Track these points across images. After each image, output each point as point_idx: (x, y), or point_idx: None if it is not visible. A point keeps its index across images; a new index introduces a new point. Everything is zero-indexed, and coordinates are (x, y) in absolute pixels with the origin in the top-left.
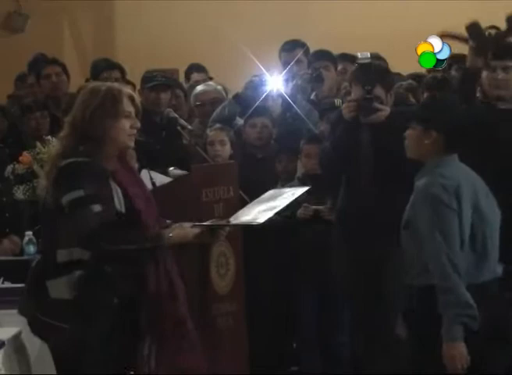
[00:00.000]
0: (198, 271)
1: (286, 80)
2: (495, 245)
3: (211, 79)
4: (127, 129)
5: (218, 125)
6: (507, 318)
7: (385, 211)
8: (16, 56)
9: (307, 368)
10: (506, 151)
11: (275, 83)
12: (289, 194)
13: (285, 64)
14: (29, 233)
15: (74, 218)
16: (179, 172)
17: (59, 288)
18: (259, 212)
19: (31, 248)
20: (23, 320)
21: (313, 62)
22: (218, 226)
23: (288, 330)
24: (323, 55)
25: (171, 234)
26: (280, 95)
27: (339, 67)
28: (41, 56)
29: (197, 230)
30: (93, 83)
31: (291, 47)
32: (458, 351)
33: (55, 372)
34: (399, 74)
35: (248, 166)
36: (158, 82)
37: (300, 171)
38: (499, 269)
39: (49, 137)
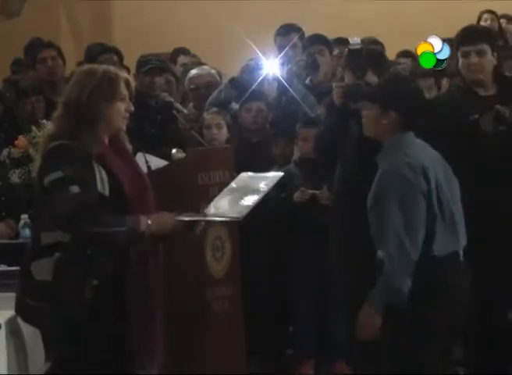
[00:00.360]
0: (194, 255)
1: (282, 64)
2: (461, 216)
3: (202, 64)
4: (122, 111)
5: (214, 109)
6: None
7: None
8: (12, 40)
9: (302, 352)
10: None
11: (271, 67)
12: (263, 185)
13: (280, 48)
14: (24, 217)
15: (53, 199)
16: (182, 155)
17: (42, 270)
18: (235, 203)
19: (27, 232)
20: None
21: (307, 46)
22: (198, 221)
23: (284, 314)
24: (318, 40)
25: (149, 222)
26: (276, 79)
27: (335, 51)
28: (37, 40)
29: (175, 222)
30: (89, 65)
31: (286, 31)
32: (370, 318)
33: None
34: (407, 53)
35: (243, 150)
36: (153, 66)
37: (296, 154)
38: (465, 241)
39: (44, 121)
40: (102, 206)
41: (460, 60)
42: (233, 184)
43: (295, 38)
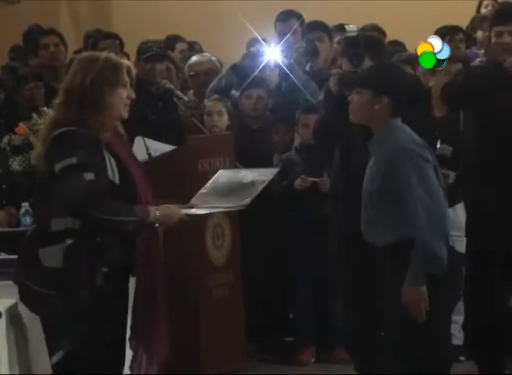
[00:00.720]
0: (194, 242)
1: (283, 51)
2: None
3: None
4: (124, 98)
5: (215, 95)
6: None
7: None
8: (12, 27)
9: (303, 339)
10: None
11: (273, 53)
12: (257, 176)
13: (280, 34)
14: (25, 205)
15: (66, 185)
16: None
17: (51, 256)
18: (231, 194)
19: (28, 219)
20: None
21: (307, 33)
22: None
23: (284, 302)
24: (317, 26)
25: (158, 213)
26: (277, 66)
27: (336, 38)
28: (36, 27)
29: (182, 215)
30: (90, 52)
31: (286, 17)
32: (418, 294)
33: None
34: (397, 43)
35: (244, 137)
36: (154, 52)
37: (297, 141)
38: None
39: (45, 108)
40: (112, 194)
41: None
42: (216, 184)
43: (295, 24)
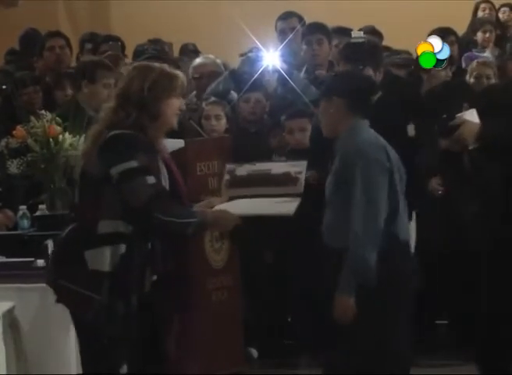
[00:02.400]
0: (193, 245)
1: (282, 56)
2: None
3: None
4: (176, 108)
5: (213, 99)
6: None
7: None
8: (10, 30)
9: (302, 342)
10: None
11: (272, 58)
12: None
13: (281, 33)
14: (23, 208)
15: (128, 188)
16: None
17: (98, 259)
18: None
19: (25, 223)
20: (17, 295)
21: (307, 34)
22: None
23: (283, 304)
24: (317, 29)
25: (213, 216)
26: (276, 70)
27: (335, 42)
28: (32, 31)
29: (237, 219)
30: (143, 62)
31: (287, 16)
32: (344, 303)
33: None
34: (388, 48)
35: (241, 140)
36: (150, 55)
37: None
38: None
39: (43, 111)
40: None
41: None
42: (235, 177)
43: (296, 23)
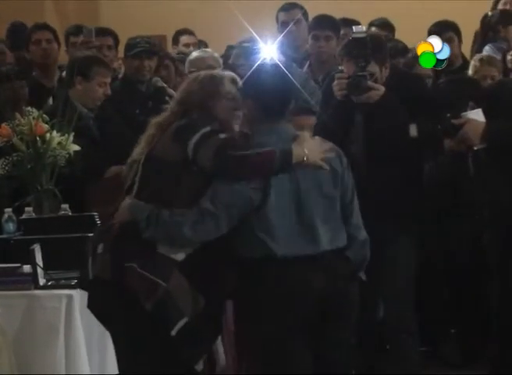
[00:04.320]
0: None
1: (281, 47)
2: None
3: (205, 45)
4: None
5: None
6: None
7: (378, 192)
8: None
9: None
10: None
11: (270, 50)
12: None
13: (283, 24)
14: (8, 211)
15: (203, 150)
16: None
17: (172, 248)
18: None
19: (11, 226)
20: (3, 302)
21: (315, 29)
22: None
23: None
24: (327, 24)
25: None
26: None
27: (341, 32)
28: (20, 24)
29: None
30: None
31: (290, 7)
32: None
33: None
34: (398, 41)
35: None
36: (141, 49)
37: None
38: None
39: (29, 107)
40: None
41: None
42: None
43: (299, 15)
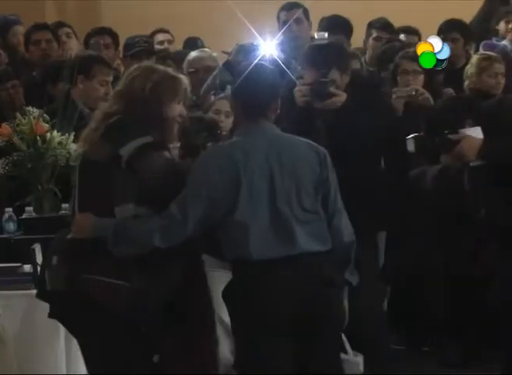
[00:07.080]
0: None
1: (280, 45)
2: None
3: (202, 43)
4: (177, 115)
5: (224, 94)
6: None
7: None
8: None
9: None
10: None
11: (269, 48)
12: None
13: (284, 24)
14: (9, 210)
15: (146, 160)
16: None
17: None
18: None
19: (11, 226)
20: (3, 302)
21: (327, 28)
22: None
23: None
24: (339, 27)
25: None
26: (274, 61)
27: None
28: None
29: None
30: (147, 63)
31: (291, 6)
32: None
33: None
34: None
35: None
36: (140, 48)
37: None
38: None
39: (29, 107)
40: None
41: None
42: None
43: (301, 14)
